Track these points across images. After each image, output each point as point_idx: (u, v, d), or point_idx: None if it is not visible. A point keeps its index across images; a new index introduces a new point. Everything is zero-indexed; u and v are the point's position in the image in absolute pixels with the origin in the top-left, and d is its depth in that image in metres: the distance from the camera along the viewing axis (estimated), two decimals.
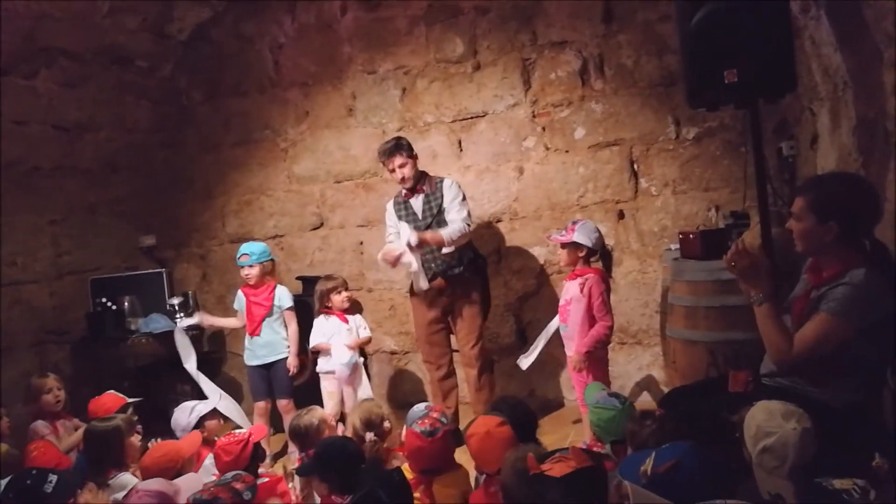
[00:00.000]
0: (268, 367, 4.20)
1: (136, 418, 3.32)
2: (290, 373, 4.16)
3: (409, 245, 3.76)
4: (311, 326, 4.19)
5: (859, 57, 2.66)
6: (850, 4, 2.58)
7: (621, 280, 4.57)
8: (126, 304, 4.96)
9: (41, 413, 3.61)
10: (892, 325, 2.19)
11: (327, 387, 4.11)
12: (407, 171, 4.00)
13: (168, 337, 4.83)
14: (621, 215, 4.64)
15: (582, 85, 4.66)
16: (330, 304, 4.16)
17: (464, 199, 4.07)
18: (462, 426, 4.10)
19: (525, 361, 3.97)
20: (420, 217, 4.04)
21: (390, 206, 4.21)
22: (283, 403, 4.19)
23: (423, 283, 3.95)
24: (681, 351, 3.21)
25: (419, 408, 2.79)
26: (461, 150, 4.96)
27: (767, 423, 1.82)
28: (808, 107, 3.65)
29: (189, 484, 2.70)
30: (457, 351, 4.23)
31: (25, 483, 2.43)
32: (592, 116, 4.65)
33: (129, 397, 3.72)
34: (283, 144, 5.38)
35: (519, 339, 4.87)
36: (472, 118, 4.91)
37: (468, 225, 4.00)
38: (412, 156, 4.04)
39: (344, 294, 4.18)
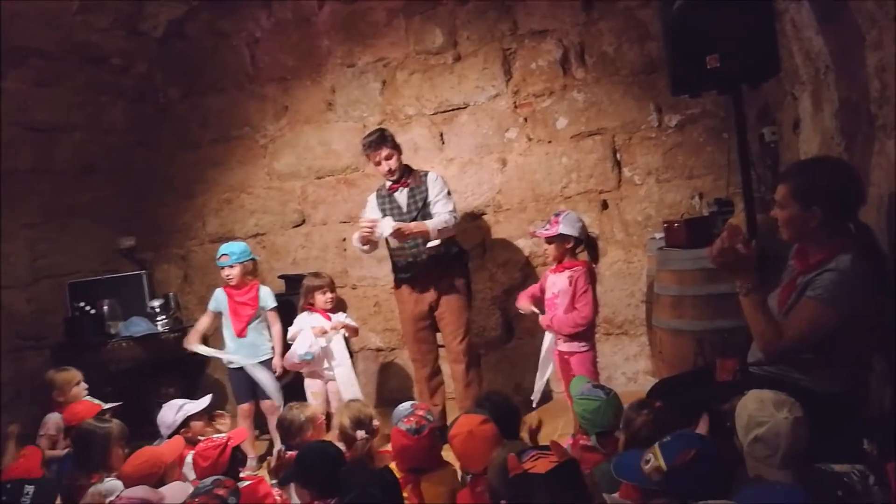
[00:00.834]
0: (251, 368, 4.13)
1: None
2: (276, 374, 4.10)
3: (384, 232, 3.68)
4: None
5: (841, 39, 2.64)
6: None
7: (606, 270, 4.55)
8: (105, 307, 4.87)
9: (59, 407, 3.62)
10: (878, 310, 2.18)
11: (311, 387, 4.05)
12: (393, 163, 3.95)
13: (150, 340, 4.77)
14: (605, 205, 4.62)
15: (563, 74, 4.62)
16: (313, 302, 4.10)
17: (449, 192, 4.02)
18: (449, 423, 4.08)
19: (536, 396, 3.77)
20: (405, 210, 3.99)
21: (372, 198, 4.14)
22: (267, 404, 4.12)
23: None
24: (667, 341, 3.18)
25: (405, 406, 2.75)
26: (443, 143, 4.91)
27: (759, 412, 1.79)
28: (790, 91, 3.63)
29: (174, 492, 2.65)
30: (443, 347, 4.19)
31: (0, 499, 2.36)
32: (574, 106, 4.61)
33: (112, 402, 3.67)
34: (263, 141, 5.30)
35: (505, 332, 4.84)
36: (453, 110, 4.86)
37: (455, 218, 3.95)
38: (397, 148, 3.98)
39: (328, 294, 4.12)
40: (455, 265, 4.03)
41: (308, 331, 3.97)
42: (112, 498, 2.64)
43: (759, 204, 3.01)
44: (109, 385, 4.39)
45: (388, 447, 2.83)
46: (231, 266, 4.08)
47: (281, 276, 5.01)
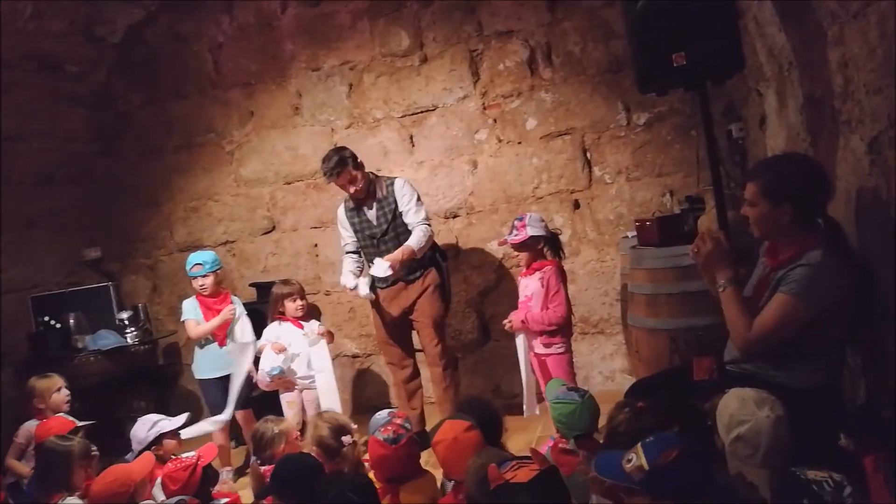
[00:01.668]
0: (225, 379, 4.05)
1: (93, 448, 3.15)
2: (253, 380, 4.03)
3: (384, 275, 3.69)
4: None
5: (803, 36, 2.66)
6: None
7: (580, 270, 4.55)
8: (71, 321, 4.75)
9: (40, 415, 3.56)
10: (850, 303, 2.20)
11: (286, 396, 3.99)
12: (359, 184, 3.86)
13: (119, 353, 4.66)
14: (577, 205, 4.62)
15: (531, 74, 4.62)
16: (283, 310, 4.03)
17: (419, 199, 3.97)
18: (429, 426, 4.04)
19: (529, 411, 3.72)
20: (375, 224, 3.93)
21: (341, 212, 4.08)
22: (241, 414, 4.05)
23: (365, 291, 3.87)
24: (643, 339, 3.19)
25: (381, 415, 2.71)
26: (413, 146, 4.87)
27: (740, 411, 1.80)
28: (755, 88, 3.67)
29: None
30: (420, 350, 4.15)
31: None
32: (543, 106, 4.61)
33: (82, 419, 3.56)
34: (229, 147, 5.21)
35: (482, 335, 4.82)
36: (422, 112, 4.83)
37: (429, 226, 3.92)
38: (360, 166, 3.88)
39: (299, 302, 4.04)
40: (430, 268, 4.00)
41: (269, 347, 3.90)
42: None
43: (729, 200, 3.02)
44: (78, 401, 4.27)
45: (366, 457, 2.78)
46: (205, 276, 4.00)
47: (252, 284, 4.93)
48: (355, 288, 3.87)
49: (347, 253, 4.10)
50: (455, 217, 4.82)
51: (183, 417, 3.31)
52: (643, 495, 1.77)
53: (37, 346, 4.69)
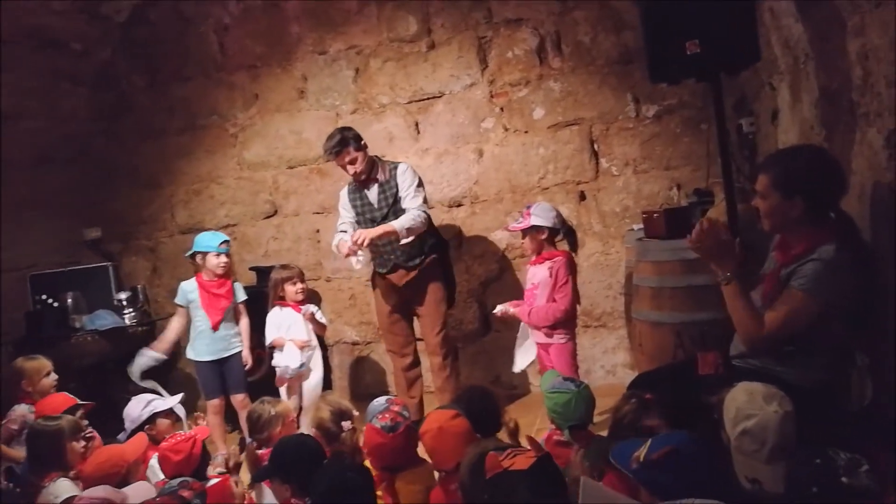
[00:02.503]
0: (221, 363, 4.02)
1: (86, 423, 3.12)
2: (247, 367, 4.00)
3: (356, 245, 3.60)
4: (265, 318, 4.01)
5: (821, 27, 2.60)
6: None
7: (584, 262, 4.50)
8: (69, 300, 4.71)
9: (28, 399, 3.46)
10: (860, 301, 2.15)
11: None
12: (359, 166, 3.82)
13: (116, 334, 4.62)
14: (583, 196, 4.57)
15: (539, 63, 4.55)
16: (283, 295, 4.00)
17: (420, 184, 3.92)
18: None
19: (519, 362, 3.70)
20: (376, 207, 3.89)
21: (344, 193, 4.05)
22: (238, 399, 4.02)
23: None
24: (647, 333, 3.14)
25: (379, 402, 2.66)
26: (419, 133, 4.82)
27: (748, 405, 1.75)
28: (768, 82, 3.60)
29: (137, 492, 2.53)
30: (420, 340, 4.12)
31: None
32: (551, 96, 4.55)
33: (79, 399, 3.52)
34: (232, 130, 5.15)
35: (482, 325, 4.77)
36: (428, 99, 4.76)
37: (424, 212, 3.85)
38: (362, 148, 3.84)
39: (299, 285, 4.01)
40: (432, 256, 3.95)
41: (292, 345, 3.88)
42: (63, 498, 2.52)
43: (738, 194, 2.97)
44: (74, 381, 4.25)
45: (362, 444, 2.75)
46: (228, 255, 4.02)
47: (252, 268, 4.89)
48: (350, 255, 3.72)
49: (340, 232, 4.01)
50: (459, 206, 4.77)
51: (178, 398, 3.28)
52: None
53: (34, 325, 4.65)
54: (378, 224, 3.83)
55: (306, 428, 2.84)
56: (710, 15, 2.55)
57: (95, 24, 4.87)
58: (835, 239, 2.13)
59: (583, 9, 4.44)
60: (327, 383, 4.69)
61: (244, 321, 4.08)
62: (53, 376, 3.60)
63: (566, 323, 3.41)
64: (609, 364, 4.57)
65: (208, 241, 4.03)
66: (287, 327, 3.94)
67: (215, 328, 4.00)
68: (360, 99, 4.88)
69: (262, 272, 4.66)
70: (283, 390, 3.94)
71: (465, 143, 4.72)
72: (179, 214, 5.30)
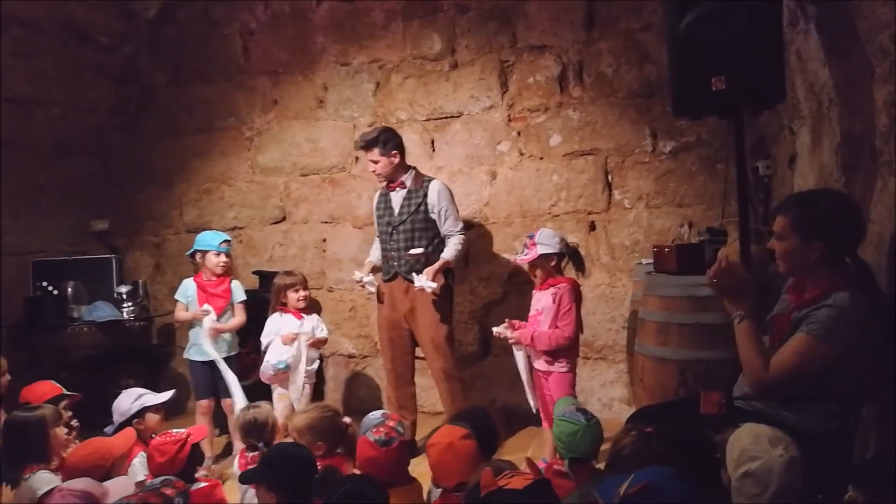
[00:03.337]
0: (212, 364, 3.97)
1: (70, 414, 3.07)
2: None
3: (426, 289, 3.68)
4: (265, 322, 3.98)
5: (848, 72, 2.59)
6: (841, 18, 2.51)
7: (590, 293, 4.46)
8: (70, 289, 4.69)
9: None
10: (871, 350, 2.10)
11: (278, 390, 3.89)
12: (379, 168, 3.86)
13: (113, 327, 4.59)
14: (593, 227, 4.54)
15: (560, 91, 4.56)
16: (285, 301, 3.96)
17: (454, 205, 3.96)
18: (420, 436, 3.95)
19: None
20: (396, 213, 3.89)
21: (376, 196, 4.09)
22: (228, 402, 3.96)
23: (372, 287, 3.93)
24: (650, 368, 3.09)
25: (375, 415, 2.61)
26: (434, 150, 4.81)
27: (753, 446, 1.70)
28: (788, 125, 3.59)
29: (118, 487, 2.46)
30: (420, 358, 4.06)
31: None
32: (569, 124, 4.54)
33: (68, 390, 3.46)
34: (249, 133, 5.17)
35: (482, 347, 4.72)
36: (446, 118, 4.77)
37: (464, 236, 3.93)
38: (389, 153, 3.84)
39: (301, 293, 3.99)
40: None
41: (278, 340, 3.84)
42: (44, 490, 2.46)
43: (752, 235, 2.93)
44: (66, 371, 4.21)
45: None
46: (227, 254, 4.01)
47: (255, 272, 4.86)
48: (361, 280, 3.90)
49: (377, 237, 4.10)
50: (469, 227, 4.74)
51: (169, 394, 3.24)
52: None
53: (31, 311, 4.62)
54: (393, 228, 3.86)
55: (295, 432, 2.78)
56: (739, 52, 2.51)
57: (123, 19, 4.92)
58: (851, 286, 2.09)
59: (607, 40, 4.46)
60: (319, 395, 4.65)
61: (239, 319, 4.06)
62: (7, 377, 3.42)
63: (568, 352, 3.35)
64: (606, 398, 4.51)
65: (209, 239, 4.02)
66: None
67: None
68: (378, 112, 4.89)
69: (265, 277, 4.64)
70: (275, 398, 3.87)
71: (479, 164, 4.72)
72: (188, 213, 5.30)
